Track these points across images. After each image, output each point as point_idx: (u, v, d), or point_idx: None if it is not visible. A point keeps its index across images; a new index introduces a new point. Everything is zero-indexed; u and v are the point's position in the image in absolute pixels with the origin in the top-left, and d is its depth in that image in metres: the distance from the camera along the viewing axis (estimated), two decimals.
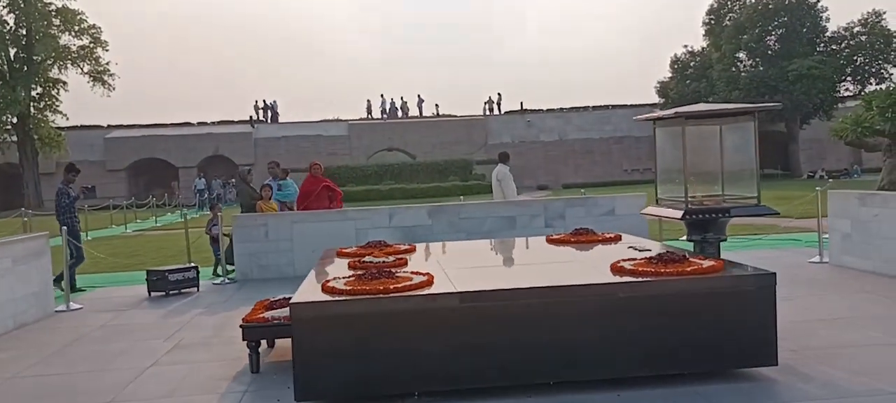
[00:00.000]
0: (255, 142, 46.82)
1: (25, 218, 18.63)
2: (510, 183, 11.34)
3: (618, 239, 6.54)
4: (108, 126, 49.56)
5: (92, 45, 42.14)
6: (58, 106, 41.79)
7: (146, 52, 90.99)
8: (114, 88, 43.43)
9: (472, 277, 4.93)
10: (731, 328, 4.32)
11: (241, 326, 5.12)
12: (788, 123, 41.67)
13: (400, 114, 50.81)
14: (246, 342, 5.08)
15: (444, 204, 10.66)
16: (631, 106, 52.10)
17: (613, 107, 51.36)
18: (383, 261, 5.45)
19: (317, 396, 4.15)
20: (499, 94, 51.51)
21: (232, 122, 50.24)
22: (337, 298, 4.21)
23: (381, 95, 51.22)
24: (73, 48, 41.86)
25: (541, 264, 5.45)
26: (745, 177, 5.87)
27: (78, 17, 41.61)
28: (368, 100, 50.97)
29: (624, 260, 4.79)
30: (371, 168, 42.99)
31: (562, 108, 51.56)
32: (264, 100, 50.80)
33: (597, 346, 4.25)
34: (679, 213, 5.57)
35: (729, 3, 43.13)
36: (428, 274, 4.69)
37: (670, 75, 45.94)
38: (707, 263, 4.57)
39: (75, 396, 4.78)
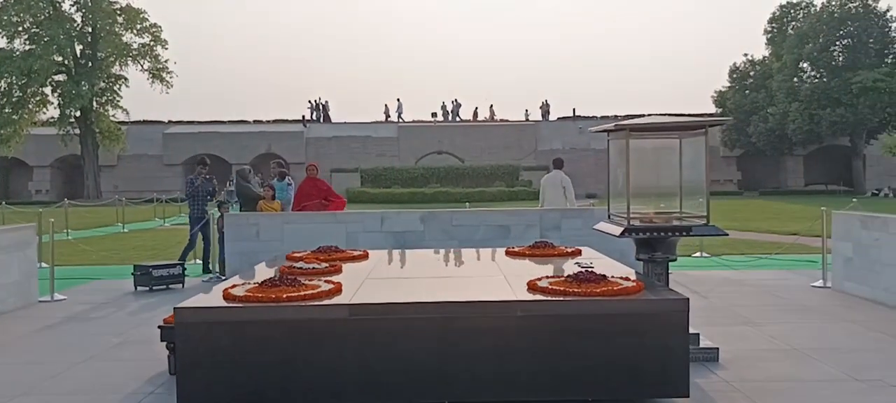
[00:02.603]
0: (306, 141, 47.64)
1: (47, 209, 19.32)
2: (572, 189, 11.27)
3: (577, 253, 6.28)
4: (169, 121, 51.25)
5: (152, 43, 43.73)
6: (118, 101, 43.49)
7: (205, 50, 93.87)
8: (172, 85, 44.95)
9: (387, 289, 4.79)
10: (638, 355, 4.04)
11: (159, 327, 5.11)
12: (853, 138, 39.80)
13: (451, 116, 50.88)
14: (165, 343, 5.06)
15: (437, 210, 10.50)
16: (688, 115, 50.68)
17: (670, 115, 50.00)
18: (314, 267, 5.36)
19: None
20: (546, 101, 51.00)
21: (286, 121, 51.28)
22: (221, 305, 4.13)
23: (397, 99, 52.04)
24: (135, 46, 43.49)
25: (468, 278, 5.25)
26: (699, 194, 5.54)
27: (140, 16, 43.22)
28: (386, 104, 51.94)
29: (545, 278, 4.57)
30: (417, 170, 43.12)
31: (616, 115, 50.59)
32: (317, 100, 51.70)
33: (493, 366, 4.05)
34: (619, 230, 5.28)
35: (792, 11, 41.57)
36: (337, 283, 4.57)
37: (728, 84, 44.56)
38: (621, 285, 4.29)
39: None
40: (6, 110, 39.83)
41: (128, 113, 44.55)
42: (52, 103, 42.24)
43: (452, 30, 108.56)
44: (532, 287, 4.42)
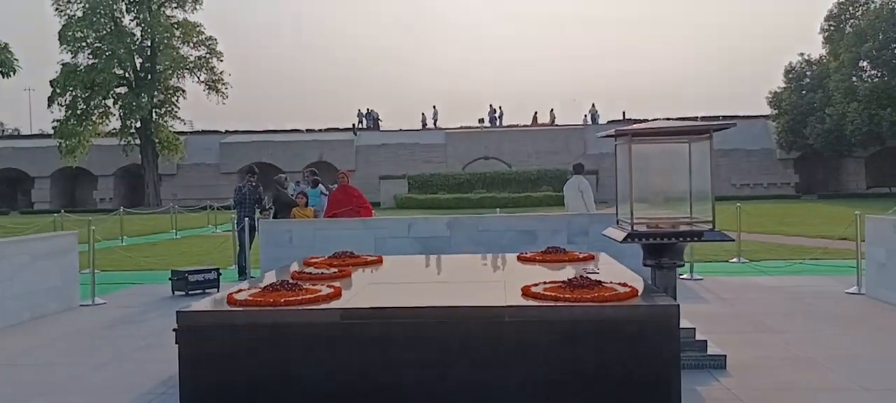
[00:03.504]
0: (356, 149, 48.33)
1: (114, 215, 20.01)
2: (591, 194, 11.36)
3: (589, 258, 6.27)
4: (226, 131, 52.73)
5: (208, 56, 45.04)
6: (176, 112, 44.91)
7: (261, 62, 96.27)
8: (227, 96, 46.18)
9: (385, 293, 4.89)
10: (626, 362, 4.02)
11: (173, 330, 5.30)
12: None
13: (496, 122, 50.93)
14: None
15: (464, 216, 10.58)
16: (742, 117, 49.61)
17: (723, 117, 48.97)
18: (323, 272, 5.50)
19: None
20: (594, 105, 50.61)
21: (337, 130, 52.11)
22: (220, 309, 4.30)
23: (433, 106, 52.32)
24: (191, 58, 44.89)
25: (470, 283, 5.31)
26: (707, 199, 5.47)
27: (197, 29, 44.61)
28: (423, 113, 52.21)
29: (541, 283, 4.59)
30: (463, 176, 43.23)
31: (667, 118, 49.75)
32: (367, 109, 52.39)
33: (480, 372, 4.09)
34: (621, 235, 5.26)
35: (850, 8, 40.12)
36: (337, 287, 4.70)
37: (784, 85, 43.26)
38: (613, 291, 4.29)
39: (19, 388, 5.13)
40: (71, 122, 41.58)
41: (190, 123, 46.03)
42: (114, 115, 43.94)
43: (504, 34, 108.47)
44: (525, 292, 4.45)
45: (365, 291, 4.82)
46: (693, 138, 5.62)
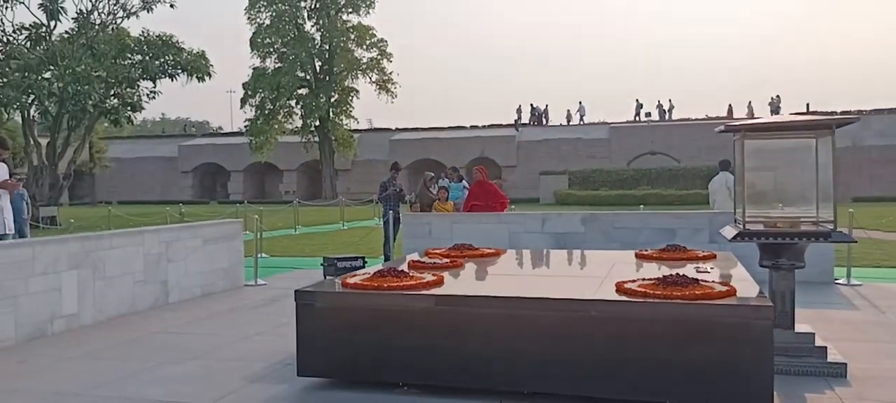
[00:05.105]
0: (517, 145, 48.65)
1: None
2: None
3: (710, 257, 6.10)
4: (395, 129, 55.33)
5: (379, 57, 47.40)
6: (351, 111, 47.75)
7: (428, 63, 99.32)
8: (396, 96, 48.32)
9: (484, 284, 5.12)
10: (713, 363, 3.96)
11: None
12: None
13: (664, 116, 49.02)
14: None
15: (599, 212, 10.50)
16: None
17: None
18: (435, 262, 5.85)
19: (314, 373, 4.76)
20: (777, 96, 47.02)
21: (500, 126, 52.77)
22: (331, 290, 4.76)
23: (579, 101, 50.20)
24: (364, 60, 47.48)
25: (572, 277, 5.39)
26: (829, 198, 5.13)
27: (369, 32, 47.13)
28: (567, 109, 50.71)
29: (637, 280, 4.61)
30: (627, 172, 42.10)
31: (860, 110, 45.21)
32: (532, 105, 52.56)
33: (568, 362, 4.22)
34: (732, 233, 5.09)
35: None
36: (439, 276, 5.01)
37: None
38: (706, 290, 4.22)
39: (178, 352, 5.95)
40: (259, 121, 45.58)
41: (369, 121, 48.72)
42: (296, 114, 47.56)
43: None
44: (619, 288, 4.50)
45: (465, 281, 5.08)
46: (819, 133, 5.29)
